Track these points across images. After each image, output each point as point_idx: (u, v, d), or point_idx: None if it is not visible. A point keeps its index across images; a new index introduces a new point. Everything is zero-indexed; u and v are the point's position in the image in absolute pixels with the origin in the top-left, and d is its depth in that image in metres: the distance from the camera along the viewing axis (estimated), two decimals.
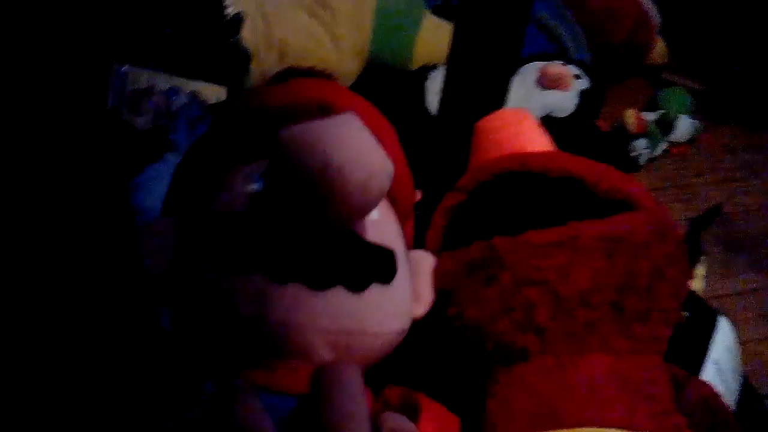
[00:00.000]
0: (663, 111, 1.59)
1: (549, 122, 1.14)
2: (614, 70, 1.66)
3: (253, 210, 0.35)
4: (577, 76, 1.34)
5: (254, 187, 0.35)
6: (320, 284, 0.33)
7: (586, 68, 1.40)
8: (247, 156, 0.37)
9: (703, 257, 0.45)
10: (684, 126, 1.61)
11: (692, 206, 1.50)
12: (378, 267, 0.35)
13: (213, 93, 1.10)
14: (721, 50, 1.83)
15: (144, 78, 1.06)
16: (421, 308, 0.40)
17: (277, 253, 0.33)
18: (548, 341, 0.35)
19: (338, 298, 0.34)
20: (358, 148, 0.30)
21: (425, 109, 1.08)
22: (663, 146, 1.60)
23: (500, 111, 0.50)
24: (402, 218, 0.40)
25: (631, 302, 0.36)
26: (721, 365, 0.46)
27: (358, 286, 0.34)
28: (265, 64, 1.13)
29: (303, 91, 0.41)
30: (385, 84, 1.16)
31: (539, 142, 0.47)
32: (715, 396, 0.37)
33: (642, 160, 1.54)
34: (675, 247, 0.39)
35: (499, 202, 0.42)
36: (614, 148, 1.47)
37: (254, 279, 0.33)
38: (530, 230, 0.37)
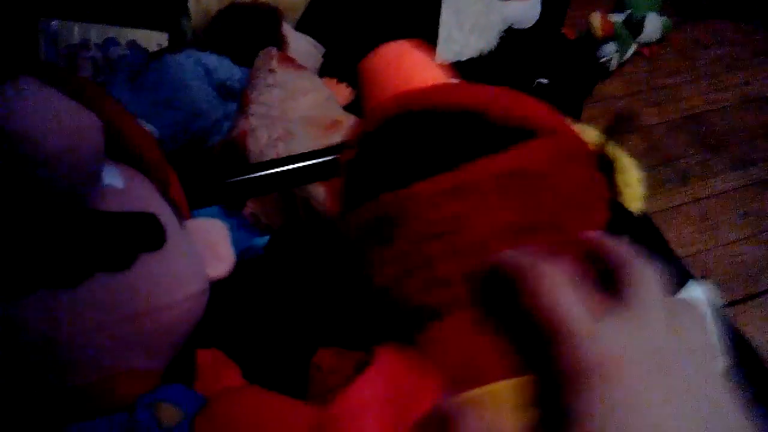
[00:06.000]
0: (630, 11, 1.53)
1: (513, 34, 1.08)
2: None
3: None
4: None
5: None
6: (75, 279, 0.29)
7: None
8: None
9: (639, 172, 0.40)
10: (653, 25, 1.55)
11: (668, 108, 1.46)
12: (140, 235, 0.31)
13: (153, 40, 1.03)
14: None
15: (76, 32, 0.98)
16: (223, 266, 0.37)
17: (11, 260, 0.28)
18: (456, 296, 0.32)
19: (105, 285, 0.29)
20: (44, 111, 0.26)
21: None
22: (633, 48, 1.54)
23: (379, 47, 0.44)
24: (159, 181, 0.36)
25: (538, 241, 0.32)
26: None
27: (121, 264, 0.30)
28: (205, 2, 1.05)
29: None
30: (332, 17, 1.09)
31: (429, 74, 0.41)
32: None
33: (612, 65, 1.49)
34: (584, 170, 0.34)
35: (387, 151, 0.37)
36: (582, 55, 1.42)
37: None
38: (418, 181, 0.33)
